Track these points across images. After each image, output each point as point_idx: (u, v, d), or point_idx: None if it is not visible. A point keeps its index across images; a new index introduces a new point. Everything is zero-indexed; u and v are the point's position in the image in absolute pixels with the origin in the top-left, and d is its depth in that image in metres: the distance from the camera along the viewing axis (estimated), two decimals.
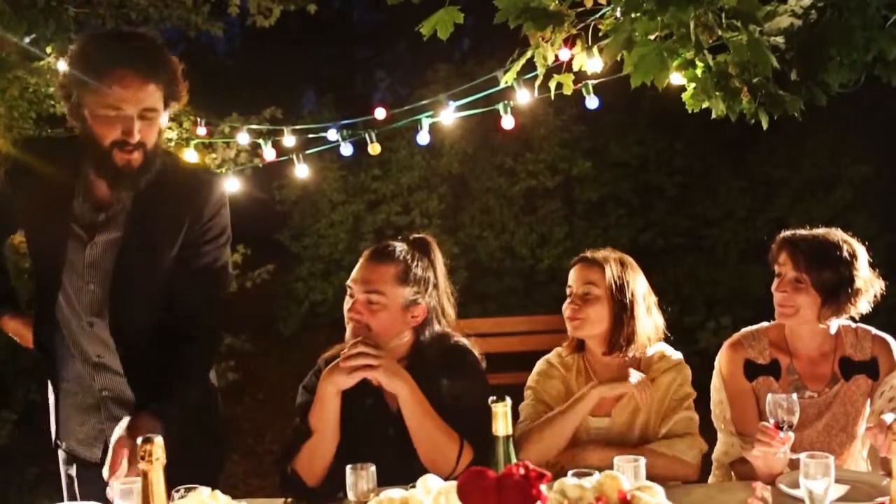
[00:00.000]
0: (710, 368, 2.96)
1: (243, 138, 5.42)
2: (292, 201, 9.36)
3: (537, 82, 3.40)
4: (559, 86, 3.36)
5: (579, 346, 2.93)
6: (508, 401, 2.07)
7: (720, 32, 2.67)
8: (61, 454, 2.80)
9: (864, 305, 2.80)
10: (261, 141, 5.13)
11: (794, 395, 2.50)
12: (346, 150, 4.92)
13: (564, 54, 3.29)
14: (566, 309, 2.86)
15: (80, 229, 2.57)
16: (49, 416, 2.82)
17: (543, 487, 1.77)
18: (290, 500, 2.63)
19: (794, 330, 2.86)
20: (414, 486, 2.17)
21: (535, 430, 2.76)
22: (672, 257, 8.90)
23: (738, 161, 9.05)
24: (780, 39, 2.79)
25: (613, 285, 2.81)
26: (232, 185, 5.15)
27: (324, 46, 15.17)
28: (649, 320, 2.85)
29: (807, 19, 2.80)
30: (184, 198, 2.59)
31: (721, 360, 2.93)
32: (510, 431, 2.07)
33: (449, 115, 4.58)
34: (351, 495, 2.27)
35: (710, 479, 2.93)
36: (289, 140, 5.10)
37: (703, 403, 2.87)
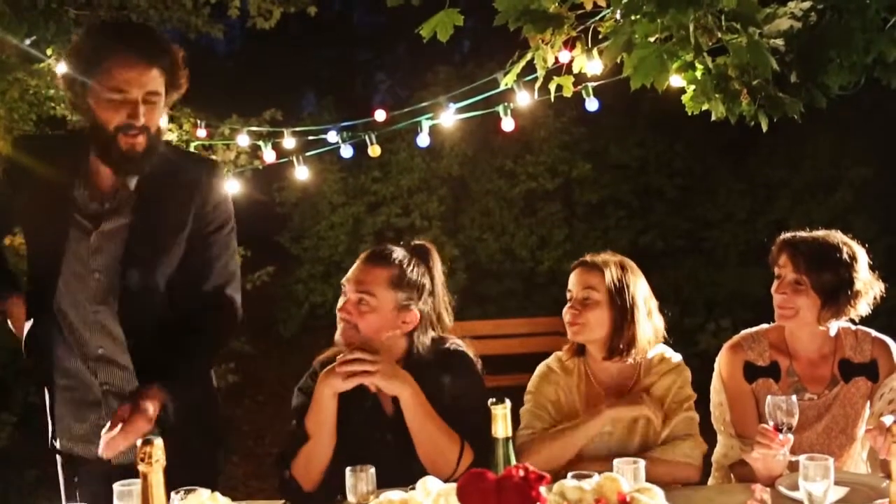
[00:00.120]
0: (709, 370, 2.96)
1: (243, 140, 5.43)
2: (292, 203, 9.37)
3: (537, 84, 3.41)
4: (559, 88, 3.37)
5: (579, 351, 2.90)
6: (508, 403, 2.07)
7: (720, 35, 2.67)
8: (61, 453, 2.78)
9: (863, 307, 2.80)
10: (261, 143, 5.14)
11: (794, 397, 2.50)
12: (346, 151, 4.93)
13: (564, 56, 3.29)
14: (566, 314, 2.84)
15: (84, 219, 2.59)
16: (47, 418, 2.82)
17: (543, 489, 1.77)
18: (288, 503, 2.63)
19: (794, 332, 2.86)
20: (413, 488, 2.17)
21: (539, 441, 2.74)
22: (672, 259, 8.91)
23: (737, 163, 9.06)
24: (779, 42, 2.79)
25: (613, 289, 2.78)
26: (232, 186, 5.15)
27: (324, 48, 15.20)
28: (650, 324, 2.82)
29: (806, 21, 2.80)
30: (188, 182, 2.65)
31: (721, 362, 2.93)
32: (510, 433, 2.07)
33: (449, 117, 4.59)
34: (350, 497, 2.27)
35: (710, 481, 2.93)
36: (289, 142, 5.12)
37: (702, 405, 2.87)
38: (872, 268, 2.82)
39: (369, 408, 2.66)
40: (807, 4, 2.84)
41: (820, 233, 2.84)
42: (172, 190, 2.62)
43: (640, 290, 2.83)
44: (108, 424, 2.38)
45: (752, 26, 2.62)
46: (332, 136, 4.95)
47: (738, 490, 2.63)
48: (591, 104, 4.21)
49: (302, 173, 5.02)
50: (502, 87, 3.84)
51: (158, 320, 2.62)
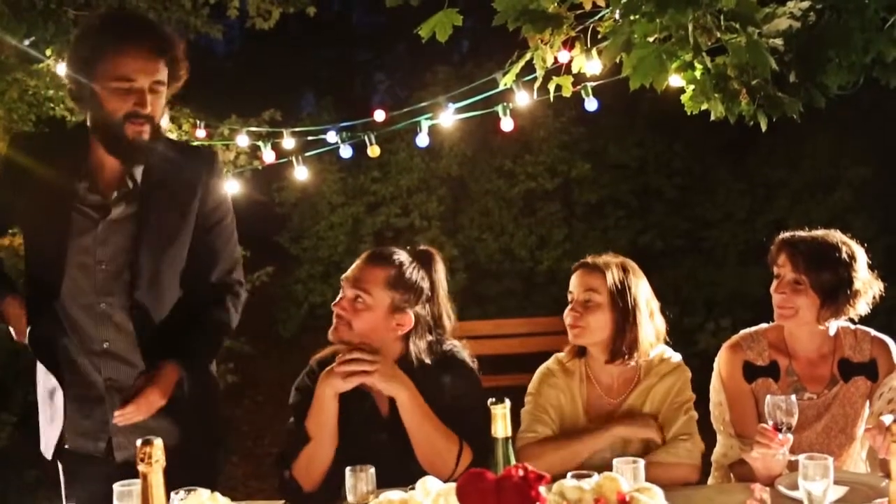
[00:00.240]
0: (709, 370, 2.96)
1: (242, 140, 5.44)
2: (291, 203, 9.36)
3: (536, 84, 3.41)
4: (558, 88, 3.37)
5: (580, 352, 2.88)
6: (507, 403, 2.07)
7: (719, 34, 2.67)
8: (65, 452, 2.75)
9: (862, 307, 2.80)
10: (260, 143, 5.14)
11: (793, 397, 2.50)
12: (346, 152, 4.93)
13: (563, 56, 3.29)
14: (567, 316, 2.82)
15: (90, 209, 2.62)
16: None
17: (542, 489, 1.77)
18: None
19: (793, 331, 2.87)
20: (413, 488, 2.18)
21: (541, 448, 2.72)
22: (671, 259, 8.91)
23: (737, 163, 9.06)
24: (778, 41, 2.79)
25: (615, 292, 2.76)
26: (231, 187, 5.15)
27: (323, 49, 15.19)
28: (651, 326, 2.80)
29: (805, 21, 2.81)
30: (191, 172, 2.71)
31: (720, 361, 2.93)
32: (509, 433, 2.07)
33: (448, 118, 4.59)
34: (350, 497, 2.27)
35: (710, 481, 2.93)
36: (288, 142, 5.12)
37: (702, 405, 2.87)
38: (871, 267, 2.82)
39: (367, 408, 2.66)
40: (806, 4, 2.84)
41: (819, 232, 2.84)
42: (176, 180, 2.68)
43: (642, 291, 2.80)
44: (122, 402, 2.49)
45: (751, 26, 2.62)
46: (332, 137, 4.96)
47: (737, 489, 2.63)
48: (591, 104, 4.21)
49: (301, 173, 5.02)
50: (501, 87, 3.84)
51: (168, 307, 2.68)
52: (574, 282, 2.84)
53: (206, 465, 2.77)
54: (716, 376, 2.93)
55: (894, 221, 8.19)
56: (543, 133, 8.99)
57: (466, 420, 2.55)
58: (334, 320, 2.66)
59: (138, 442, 1.78)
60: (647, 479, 2.21)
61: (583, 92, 4.09)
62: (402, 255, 2.71)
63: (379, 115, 5.08)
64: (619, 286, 2.76)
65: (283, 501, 2.63)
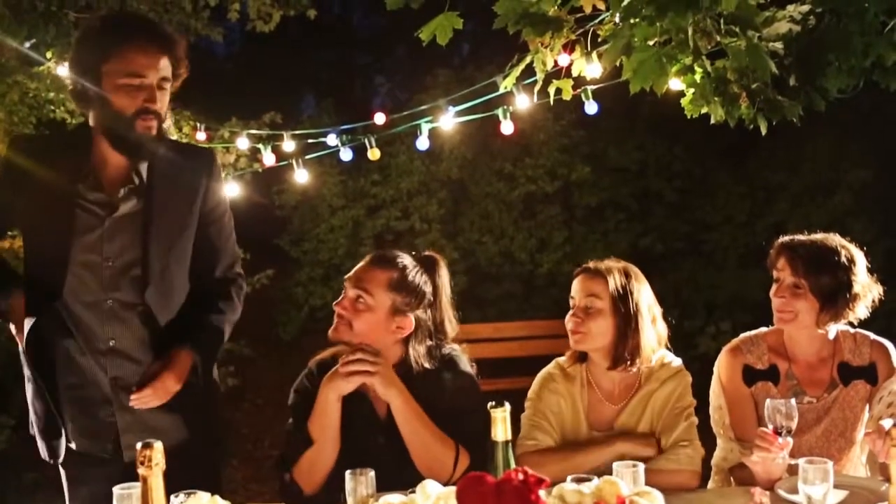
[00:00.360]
0: (709, 374, 2.96)
1: (243, 143, 5.44)
2: (292, 206, 9.36)
3: (536, 87, 3.41)
4: (558, 91, 3.37)
5: (582, 357, 2.86)
6: (507, 406, 2.07)
7: (719, 38, 2.67)
8: (70, 455, 2.75)
9: (862, 310, 2.80)
10: (260, 146, 5.14)
11: (793, 401, 2.50)
12: (346, 155, 4.94)
13: (563, 60, 3.29)
14: (568, 321, 2.80)
15: (96, 207, 2.64)
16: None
17: (542, 493, 1.77)
18: None
19: (793, 335, 2.87)
20: (413, 492, 2.18)
21: (542, 458, 2.68)
22: (671, 262, 8.91)
23: (737, 166, 9.06)
24: (778, 45, 2.79)
25: (617, 297, 2.74)
26: (231, 189, 5.16)
27: (323, 51, 15.22)
28: (653, 332, 2.79)
29: (805, 25, 2.80)
30: (193, 169, 2.76)
31: (720, 365, 2.93)
32: (509, 437, 2.07)
33: (448, 121, 4.59)
34: (350, 501, 2.27)
35: (710, 485, 2.93)
36: (288, 145, 5.12)
37: (702, 409, 2.87)
38: (871, 271, 2.82)
39: (365, 411, 2.66)
40: (805, 8, 2.84)
41: (818, 236, 2.84)
42: (180, 177, 2.72)
43: (644, 297, 2.78)
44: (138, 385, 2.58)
45: (751, 30, 2.62)
46: (332, 139, 4.96)
47: (737, 493, 2.63)
48: (591, 107, 4.22)
49: (301, 176, 5.03)
50: (501, 91, 3.84)
51: (177, 302, 2.72)
52: (575, 287, 2.82)
53: (206, 468, 2.77)
54: (715, 380, 2.93)
55: (894, 225, 8.19)
56: (543, 136, 9.00)
57: (465, 424, 2.55)
58: (335, 319, 2.67)
59: (138, 445, 1.78)
60: (647, 485, 2.21)
61: (583, 95, 4.09)
62: (405, 259, 2.71)
63: (379, 118, 5.09)
64: (621, 292, 2.74)
65: None
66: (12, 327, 2.74)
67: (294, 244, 9.41)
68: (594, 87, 4.00)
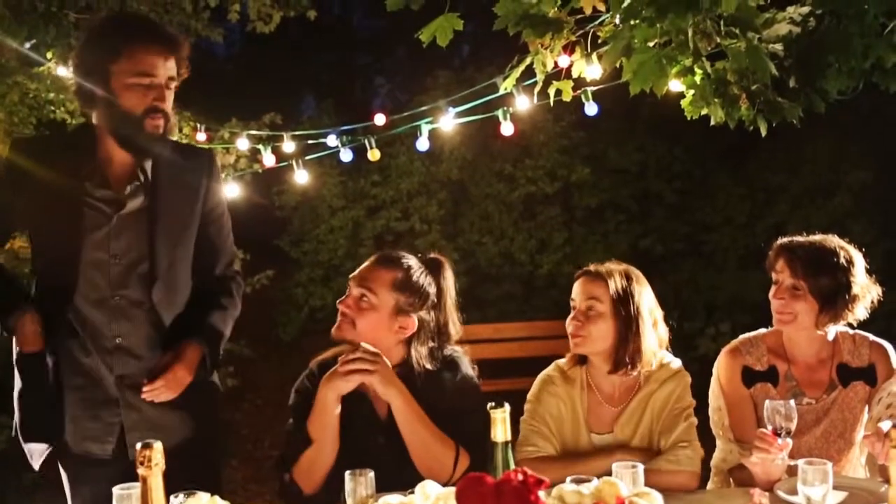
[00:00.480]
0: (709, 375, 2.95)
1: (243, 144, 5.44)
2: (292, 207, 9.37)
3: (536, 89, 3.41)
4: (558, 92, 3.37)
5: (582, 359, 2.84)
6: (507, 407, 2.07)
7: (719, 39, 2.67)
8: (71, 456, 2.75)
9: (861, 311, 2.80)
10: (260, 146, 5.14)
11: (792, 402, 2.50)
12: (346, 155, 4.94)
13: (563, 61, 3.30)
14: (569, 325, 2.78)
15: (102, 205, 2.66)
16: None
17: (542, 493, 1.78)
18: None
19: (792, 336, 2.87)
20: (413, 492, 2.18)
21: (542, 465, 2.64)
22: (671, 263, 8.91)
23: (737, 167, 9.07)
24: (778, 47, 2.79)
25: (618, 300, 2.72)
26: (231, 190, 5.16)
27: (323, 52, 15.19)
28: (654, 335, 2.77)
29: (805, 27, 2.81)
30: (195, 166, 2.80)
31: (719, 366, 2.93)
32: (509, 437, 2.07)
33: (448, 122, 4.59)
34: (350, 502, 2.27)
35: (709, 486, 2.93)
36: (288, 146, 5.12)
37: (702, 410, 2.86)
38: (869, 271, 2.82)
39: (365, 411, 2.66)
40: (805, 9, 2.84)
41: (816, 237, 2.84)
42: (182, 175, 2.75)
43: (646, 300, 2.76)
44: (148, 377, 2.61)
45: (751, 31, 2.62)
46: (332, 140, 4.96)
47: (736, 494, 2.63)
48: (591, 108, 4.22)
49: (301, 177, 5.03)
50: (502, 92, 3.84)
51: (182, 298, 2.76)
52: (576, 290, 2.81)
53: (208, 467, 2.80)
54: (715, 381, 2.93)
55: (894, 226, 8.19)
56: (543, 137, 9.00)
57: (465, 425, 2.55)
58: (338, 318, 2.68)
59: (138, 445, 1.78)
60: (647, 486, 2.21)
61: (583, 96, 4.10)
62: (410, 260, 2.73)
63: (379, 119, 5.09)
64: (622, 295, 2.73)
65: None
66: (16, 342, 2.74)
67: (294, 245, 9.42)
68: (594, 88, 3.99)
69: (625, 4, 2.59)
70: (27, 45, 5.01)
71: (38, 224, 2.74)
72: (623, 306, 2.72)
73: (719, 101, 2.85)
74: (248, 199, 5.61)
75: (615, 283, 2.74)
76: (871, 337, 2.88)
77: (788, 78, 2.80)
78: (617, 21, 2.82)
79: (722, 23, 2.63)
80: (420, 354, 2.66)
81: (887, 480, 2.17)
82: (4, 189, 2.71)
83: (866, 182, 8.53)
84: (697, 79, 2.84)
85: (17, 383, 2.78)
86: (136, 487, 1.95)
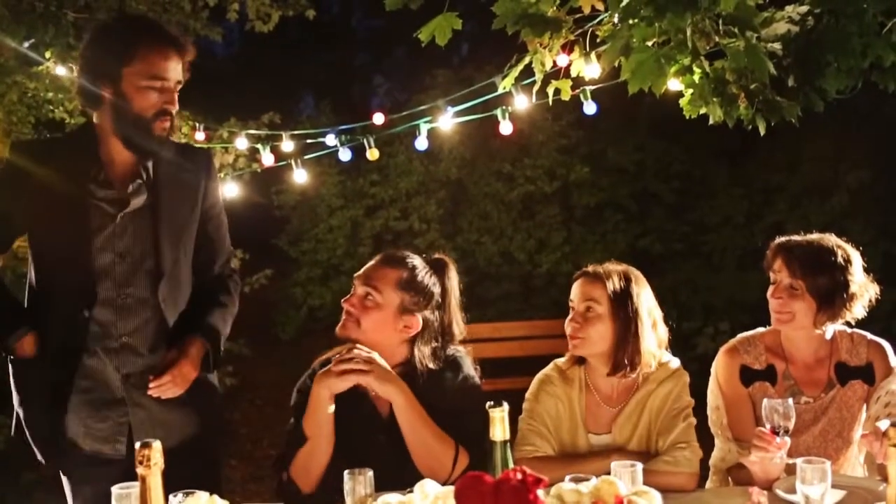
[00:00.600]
0: (708, 374, 2.95)
1: (242, 143, 5.43)
2: (290, 206, 9.37)
3: (535, 88, 3.41)
4: (557, 91, 3.37)
5: (580, 359, 2.83)
6: (506, 406, 2.07)
7: (717, 39, 2.67)
8: (72, 456, 2.75)
9: (859, 310, 2.80)
10: (259, 146, 5.14)
11: (790, 401, 2.50)
12: (345, 155, 4.93)
13: (562, 60, 3.30)
14: (567, 326, 2.77)
15: (106, 204, 2.68)
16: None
17: (541, 492, 1.78)
18: None
19: (790, 336, 2.87)
20: (411, 491, 2.18)
21: (540, 465, 2.62)
22: (670, 263, 8.91)
23: (735, 167, 9.06)
24: (777, 46, 2.79)
25: (616, 302, 2.70)
26: (230, 190, 5.16)
27: (322, 52, 15.18)
28: (654, 337, 2.75)
29: (804, 26, 2.81)
30: (192, 167, 2.82)
31: (717, 365, 2.93)
32: (507, 436, 2.07)
33: (447, 121, 4.59)
34: (349, 501, 2.27)
35: (707, 485, 2.93)
36: (287, 145, 5.12)
37: (701, 409, 2.86)
38: (867, 270, 2.82)
39: (366, 410, 2.66)
40: (804, 8, 2.84)
41: (814, 236, 2.84)
42: (181, 174, 2.78)
43: (645, 301, 2.74)
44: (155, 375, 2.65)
45: (750, 30, 2.62)
46: (331, 140, 4.96)
47: (735, 493, 2.63)
48: (589, 108, 4.21)
49: (300, 176, 5.02)
50: (500, 91, 3.84)
51: (185, 295, 2.79)
52: (574, 291, 2.80)
53: (210, 463, 2.83)
54: (713, 380, 2.93)
55: (893, 225, 8.19)
56: (542, 137, 9.00)
57: (465, 424, 2.55)
58: (343, 316, 2.69)
59: (137, 445, 1.79)
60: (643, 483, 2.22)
61: (581, 96, 4.09)
62: (415, 259, 2.74)
63: (378, 119, 5.09)
64: (621, 296, 2.71)
65: None
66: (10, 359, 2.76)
67: (293, 244, 9.42)
68: (593, 87, 3.99)
69: (623, 3, 2.59)
70: (26, 44, 5.01)
71: (42, 228, 2.73)
72: (621, 308, 2.71)
73: (718, 101, 2.85)
74: (247, 199, 5.60)
75: (613, 285, 2.73)
76: (869, 336, 2.88)
77: (787, 77, 2.80)
78: (615, 20, 2.82)
79: (720, 22, 2.63)
80: (423, 354, 2.67)
81: (886, 479, 2.17)
82: (6, 195, 2.71)
83: (865, 181, 8.51)
84: (696, 78, 2.84)
85: (15, 396, 2.79)
86: (135, 487, 1.95)
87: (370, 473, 2.27)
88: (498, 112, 4.35)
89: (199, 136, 5.42)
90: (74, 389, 2.69)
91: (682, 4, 2.48)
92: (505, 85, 3.50)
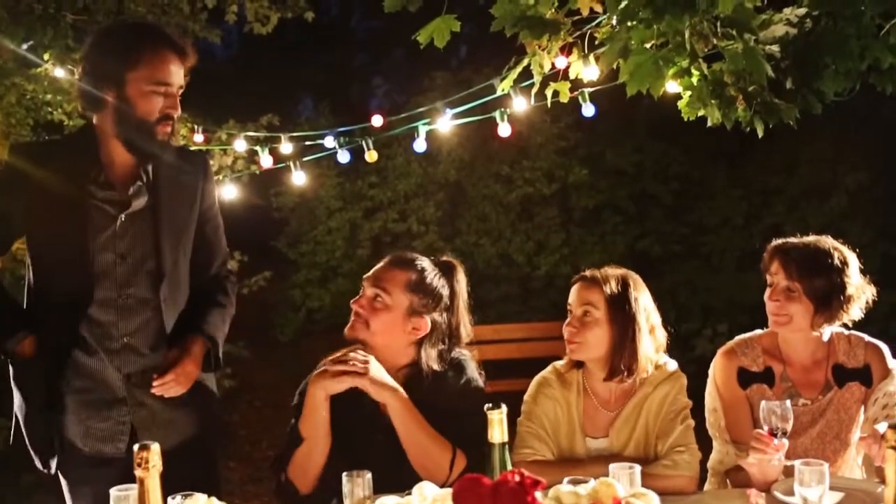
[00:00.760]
0: (706, 376, 2.95)
1: (240, 145, 5.42)
2: (289, 208, 9.37)
3: (534, 90, 3.41)
4: (555, 94, 3.37)
5: (578, 362, 2.82)
6: (504, 408, 2.07)
7: (715, 41, 2.67)
8: (72, 456, 2.75)
9: (856, 312, 2.80)
10: (258, 148, 5.13)
11: (788, 403, 2.50)
12: (343, 157, 4.93)
13: (561, 62, 3.30)
14: (565, 330, 2.76)
15: (107, 206, 2.69)
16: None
17: (538, 494, 1.78)
18: None
19: (787, 338, 2.87)
20: (409, 493, 2.18)
21: (538, 468, 2.57)
22: (669, 265, 8.91)
23: (734, 169, 9.06)
24: (775, 48, 2.80)
25: (614, 306, 2.69)
26: (229, 192, 5.15)
27: (321, 54, 15.19)
28: (652, 342, 2.74)
29: (802, 28, 2.81)
30: (190, 169, 2.84)
31: (715, 368, 2.93)
32: (506, 438, 2.07)
33: (446, 123, 4.59)
34: (347, 503, 2.27)
35: (706, 487, 2.93)
36: (286, 147, 5.11)
37: (699, 411, 2.86)
38: (864, 272, 2.83)
39: (367, 411, 2.66)
40: (802, 11, 2.85)
41: (810, 238, 2.84)
42: (179, 176, 2.80)
43: (642, 306, 2.73)
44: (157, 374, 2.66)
45: (748, 33, 2.62)
46: (329, 142, 4.95)
47: (733, 496, 2.63)
48: (588, 110, 4.21)
49: (299, 178, 5.02)
50: (499, 93, 3.84)
51: (184, 296, 2.81)
52: (572, 295, 2.79)
53: (209, 463, 2.85)
54: (711, 383, 2.93)
55: (891, 227, 8.19)
56: (541, 139, 9.01)
57: (464, 426, 2.55)
58: (352, 317, 2.69)
59: (135, 447, 1.79)
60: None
61: (580, 98, 4.09)
62: (424, 262, 2.75)
63: (377, 121, 5.08)
64: (618, 300, 2.70)
65: None
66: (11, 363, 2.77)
67: (291, 246, 9.42)
68: (591, 89, 3.99)
69: (622, 6, 2.59)
70: (24, 46, 5.01)
71: (41, 229, 2.74)
72: (619, 312, 2.70)
73: (716, 103, 2.85)
74: (246, 201, 5.60)
75: (611, 289, 2.72)
76: (867, 337, 2.89)
77: (785, 79, 2.80)
78: (614, 22, 2.82)
79: (718, 24, 2.63)
80: (429, 356, 2.68)
81: (884, 481, 2.18)
82: (6, 196, 2.72)
83: (863, 183, 8.52)
84: (694, 80, 2.84)
85: (16, 397, 2.79)
86: (133, 489, 1.95)
87: (368, 475, 2.27)
88: (496, 114, 4.35)
89: (198, 137, 5.41)
90: (73, 390, 2.69)
91: (680, 6, 2.48)
92: (503, 87, 3.50)
